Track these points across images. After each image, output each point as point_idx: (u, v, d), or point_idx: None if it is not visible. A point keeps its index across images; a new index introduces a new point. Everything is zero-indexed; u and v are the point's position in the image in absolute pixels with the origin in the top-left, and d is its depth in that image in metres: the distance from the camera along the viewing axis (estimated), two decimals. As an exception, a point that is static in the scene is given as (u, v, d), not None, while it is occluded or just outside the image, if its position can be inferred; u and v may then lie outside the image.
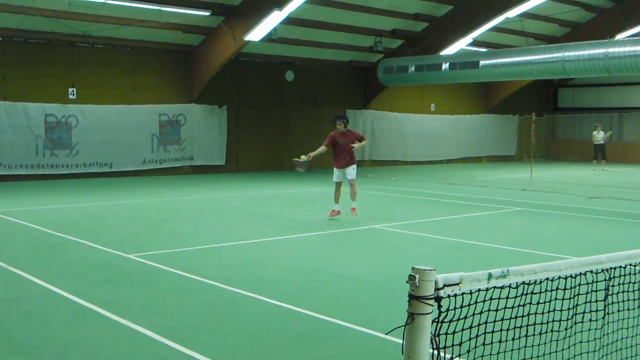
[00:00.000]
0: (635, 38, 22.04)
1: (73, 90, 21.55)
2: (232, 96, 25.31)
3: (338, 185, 13.40)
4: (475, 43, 27.49)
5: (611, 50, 20.87)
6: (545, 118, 35.46)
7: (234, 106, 25.34)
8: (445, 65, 25.52)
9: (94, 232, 11.55)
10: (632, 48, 20.41)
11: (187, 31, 22.68)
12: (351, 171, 13.33)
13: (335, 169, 13.40)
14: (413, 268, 2.57)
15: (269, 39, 22.41)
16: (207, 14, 21.45)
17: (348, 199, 13.48)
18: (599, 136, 29.92)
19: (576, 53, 21.80)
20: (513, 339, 3.33)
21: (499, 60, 24.14)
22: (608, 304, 3.89)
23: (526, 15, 25.87)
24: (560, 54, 22.28)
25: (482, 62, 24.55)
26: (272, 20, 20.57)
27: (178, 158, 23.94)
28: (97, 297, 7.21)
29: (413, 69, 26.28)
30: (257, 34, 21.25)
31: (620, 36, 26.22)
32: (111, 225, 12.63)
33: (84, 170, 21.63)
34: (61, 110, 21.15)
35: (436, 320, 2.65)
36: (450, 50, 26.48)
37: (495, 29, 26.85)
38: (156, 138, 23.25)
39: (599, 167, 29.56)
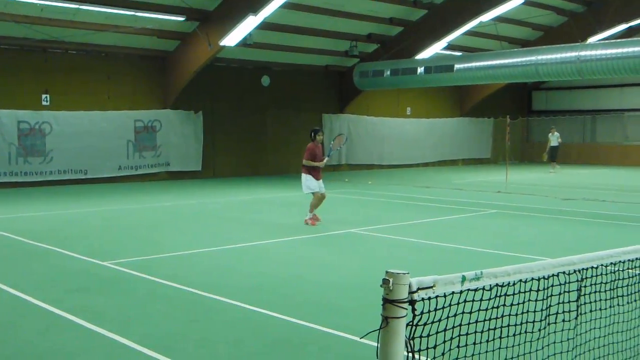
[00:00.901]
0: (607, 41, 22.35)
1: (46, 97, 21.35)
2: (208, 101, 25.24)
3: (319, 194, 13.47)
4: (449, 47, 27.69)
5: (583, 53, 21.13)
6: (520, 121, 35.79)
7: (209, 112, 25.27)
8: (420, 69, 25.67)
9: (69, 240, 11.44)
10: (604, 51, 20.68)
11: (162, 36, 22.59)
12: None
13: (315, 180, 13.39)
14: (387, 272, 2.59)
15: (245, 44, 22.38)
16: (182, 19, 21.39)
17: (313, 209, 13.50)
18: (553, 138, 30.00)
19: (549, 56, 22.05)
20: (487, 341, 3.36)
21: (474, 64, 24.33)
22: (580, 305, 3.93)
23: (500, 19, 26.12)
24: (533, 58, 22.52)
25: (456, 66, 24.73)
26: (248, 25, 20.56)
27: (154, 164, 23.81)
28: (72, 306, 7.15)
29: (388, 73, 26.39)
30: (232, 39, 21.22)
31: (591, 40, 26.53)
32: (86, 232, 12.52)
33: (58, 178, 21.42)
34: (34, 117, 20.94)
35: (410, 323, 2.67)
36: (425, 54, 26.64)
37: (470, 33, 27.06)
38: (131, 144, 23.11)
39: (557, 169, 29.79)
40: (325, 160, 13.59)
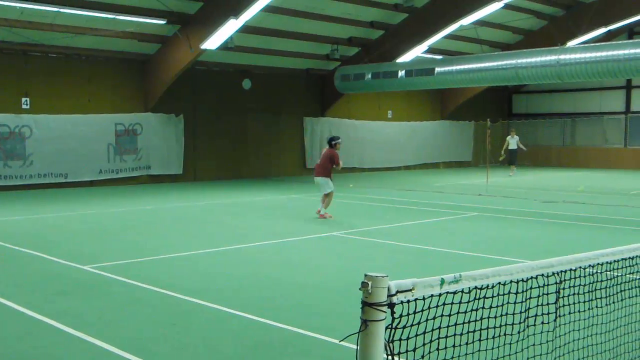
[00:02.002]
0: (586, 45, 22.53)
1: (26, 100, 21.18)
2: (189, 105, 25.17)
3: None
4: (430, 50, 27.82)
5: (562, 57, 21.30)
6: (500, 124, 36.02)
7: (191, 115, 25.19)
8: (401, 73, 25.74)
9: (49, 244, 11.36)
10: (583, 55, 20.86)
11: (143, 40, 22.50)
12: None
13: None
14: (366, 275, 2.59)
15: (226, 47, 22.37)
16: (163, 22, 21.32)
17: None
18: (512, 141, 29.59)
19: (529, 60, 22.19)
20: (467, 343, 3.37)
21: (454, 67, 24.44)
22: (559, 307, 3.97)
23: (480, 23, 26.29)
24: (513, 61, 22.66)
25: (437, 69, 24.83)
26: (229, 28, 20.53)
27: (135, 167, 23.68)
28: (52, 310, 7.10)
29: (370, 76, 26.45)
30: (213, 42, 21.19)
31: (571, 43, 26.79)
32: (66, 236, 12.44)
33: (38, 181, 21.25)
34: (14, 121, 20.76)
35: (389, 326, 2.68)
36: (406, 57, 26.74)
37: (450, 36, 27.21)
38: (112, 148, 22.98)
39: (515, 172, 29.54)
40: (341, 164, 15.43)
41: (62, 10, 19.23)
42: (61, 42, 20.89)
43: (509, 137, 29.75)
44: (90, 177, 22.48)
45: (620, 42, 21.60)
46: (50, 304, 7.43)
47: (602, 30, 28.82)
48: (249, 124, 27.11)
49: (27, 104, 21.20)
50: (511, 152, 29.66)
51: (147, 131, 23.84)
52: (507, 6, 25.14)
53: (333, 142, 15.30)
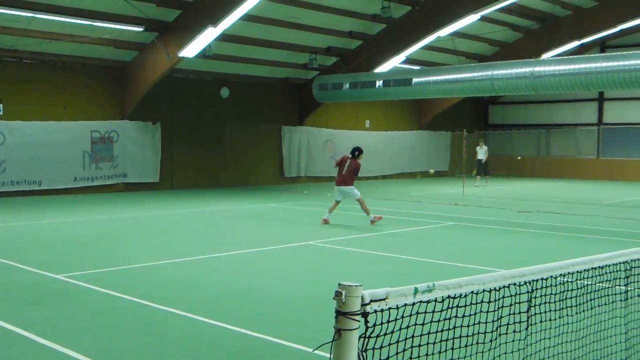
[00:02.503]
0: (560, 58, 22.85)
1: (0, 107, 20.95)
2: (167, 113, 25.08)
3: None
4: (408, 61, 28.00)
5: (537, 69, 21.56)
6: (476, 134, 36.30)
7: (168, 123, 25.10)
8: (379, 83, 25.90)
9: (21, 252, 11.25)
10: (557, 67, 21.14)
11: (120, 47, 22.40)
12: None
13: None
14: (339, 284, 2.61)
15: (204, 55, 22.34)
16: (141, 29, 21.24)
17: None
18: (481, 152, 29.48)
19: (504, 71, 22.45)
20: (440, 352, 3.40)
21: (431, 78, 24.64)
22: (531, 315, 4.01)
23: (457, 34, 26.51)
24: (489, 72, 22.91)
25: (414, 80, 25.00)
26: (207, 36, 20.52)
27: (111, 175, 23.53)
28: (24, 320, 7.02)
29: (347, 86, 26.57)
30: (191, 50, 21.15)
31: (545, 56, 27.13)
32: (39, 244, 12.32)
33: (11, 189, 21.02)
34: (-13, 127, 20.56)
35: (363, 335, 2.70)
36: (384, 67, 26.89)
37: (428, 47, 27.42)
38: (88, 155, 22.81)
39: (482, 182, 29.62)
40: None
41: (37, 15, 19.07)
42: (36, 48, 20.73)
43: (477, 148, 29.65)
44: (65, 185, 22.28)
45: (593, 55, 21.96)
46: (22, 313, 7.36)
47: (575, 44, 29.22)
48: (227, 133, 27.07)
49: (0, 111, 20.97)
50: (478, 163, 29.61)
51: (124, 139, 23.70)
52: (483, 18, 25.40)
53: (357, 153, 15.74)
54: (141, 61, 22.93)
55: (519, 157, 29.72)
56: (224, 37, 22.17)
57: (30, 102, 21.62)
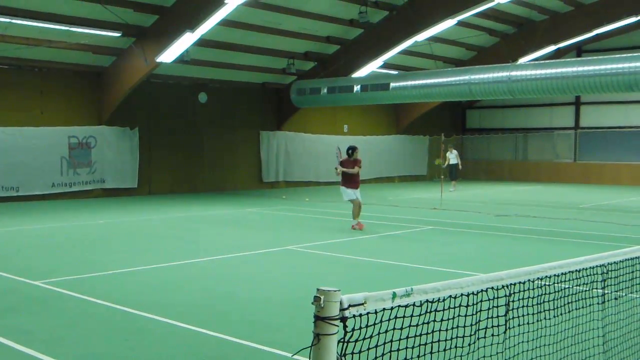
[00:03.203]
0: (536, 62, 23.04)
1: (-24, 112, 20.76)
2: (144, 118, 24.95)
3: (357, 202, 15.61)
4: (385, 65, 28.11)
5: (514, 73, 21.73)
6: (454, 139, 36.50)
7: (146, 128, 24.97)
8: (356, 87, 25.95)
9: (-2, 259, 11.13)
10: (533, 72, 21.32)
11: (98, 52, 22.27)
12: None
13: (348, 190, 15.66)
14: (318, 289, 2.62)
15: (181, 60, 22.26)
16: (118, 35, 21.14)
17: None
18: (452, 156, 29.17)
19: (481, 76, 22.59)
20: (418, 356, 3.41)
21: (409, 83, 24.74)
22: (509, 319, 4.04)
23: (434, 39, 26.68)
24: (466, 77, 23.04)
25: (392, 84, 25.09)
26: (184, 41, 20.46)
27: (88, 181, 23.35)
28: (1, 326, 6.96)
29: (325, 90, 26.59)
30: (169, 55, 21.08)
31: (522, 60, 27.36)
32: (16, 251, 12.20)
33: (-13, 195, 20.81)
34: (-37, 133, 20.33)
35: (342, 340, 2.70)
36: (362, 72, 26.98)
37: (405, 52, 27.55)
38: (65, 161, 22.62)
39: (458, 186, 29.29)
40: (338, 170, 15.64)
41: (14, 21, 18.91)
42: (13, 54, 20.54)
43: (448, 153, 29.22)
44: (42, 191, 22.07)
45: (569, 59, 22.13)
46: None
47: (551, 48, 29.55)
48: (205, 138, 26.99)
49: (-23, 116, 20.76)
50: (451, 167, 29.37)
51: (102, 144, 23.55)
52: (460, 23, 25.57)
53: (350, 152, 15.67)
54: (119, 66, 22.80)
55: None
56: (202, 42, 22.12)
57: (7, 107, 21.41)
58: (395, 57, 27.67)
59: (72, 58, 22.27)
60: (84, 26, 20.19)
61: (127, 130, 24.34)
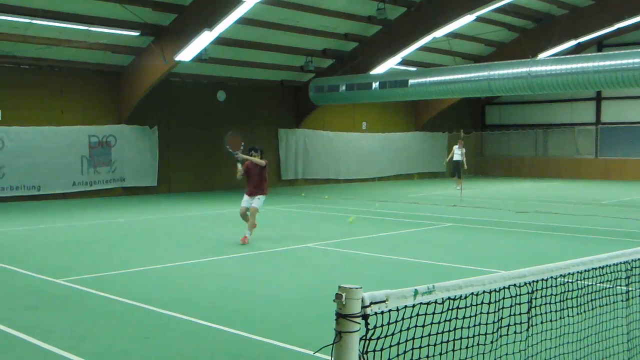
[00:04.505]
0: (556, 57, 22.85)
1: (-2, 112, 20.96)
2: (163, 117, 25.07)
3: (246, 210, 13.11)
4: (404, 62, 28.00)
5: (533, 69, 21.57)
6: (474, 135, 36.33)
7: (165, 127, 25.08)
8: (375, 84, 25.90)
9: (20, 257, 11.23)
10: (553, 67, 21.15)
11: (117, 51, 22.40)
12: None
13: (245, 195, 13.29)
14: (340, 287, 2.61)
15: (200, 59, 22.32)
16: (137, 34, 21.24)
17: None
18: (458, 152, 26.89)
19: (501, 72, 22.46)
20: (440, 354, 3.39)
21: (428, 79, 24.65)
22: (531, 317, 4.00)
23: (453, 35, 26.53)
24: (486, 73, 22.92)
25: (411, 81, 25.01)
26: (203, 40, 20.51)
27: (109, 180, 23.51)
28: (23, 324, 7.01)
29: (344, 88, 26.56)
30: (187, 54, 21.14)
31: (542, 55, 27.13)
32: (38, 249, 12.30)
33: (10, 194, 20.99)
34: (-15, 133, 20.54)
35: (364, 337, 2.69)
36: (380, 69, 26.89)
37: (424, 48, 27.43)
38: (86, 160, 22.79)
39: (461, 185, 25.73)
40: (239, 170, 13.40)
41: (34, 21, 19.07)
42: (33, 54, 20.71)
43: (455, 147, 27.28)
44: (63, 190, 22.26)
45: (590, 54, 21.94)
46: (21, 317, 7.34)
47: (572, 43, 29.28)
48: (224, 136, 26.98)
49: (-2, 116, 20.97)
50: (456, 164, 27.19)
51: (121, 143, 23.69)
52: (479, 19, 25.41)
53: (252, 153, 13.64)
54: (138, 65, 22.92)
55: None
56: (220, 41, 22.17)
57: (28, 107, 21.60)
58: (414, 54, 27.56)
59: (91, 57, 22.42)
60: (103, 26, 20.31)
61: (147, 128, 24.47)
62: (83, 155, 22.71)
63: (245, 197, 13.28)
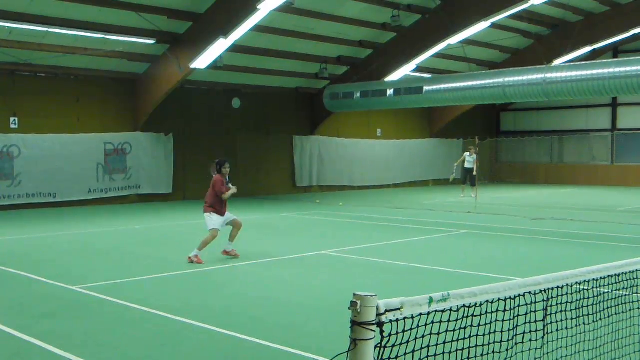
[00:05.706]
0: (571, 64, 22.75)
1: (15, 120, 21.13)
2: (179, 124, 25.18)
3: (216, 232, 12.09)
4: (419, 69, 27.99)
5: (549, 75, 21.48)
6: (489, 142, 36.20)
7: (180, 134, 25.19)
8: (390, 91, 25.88)
9: (37, 264, 11.31)
10: (569, 73, 21.05)
11: (132, 59, 22.55)
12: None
13: (218, 216, 12.26)
14: (354, 294, 2.62)
15: (215, 66, 22.43)
16: (152, 42, 21.37)
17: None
18: (470, 159, 26.32)
19: (516, 78, 22.37)
20: (455, 362, 3.39)
21: (442, 86, 24.60)
22: (547, 324, 3.99)
23: (468, 42, 26.48)
24: (500, 80, 22.84)
25: (426, 88, 24.98)
26: (218, 48, 20.60)
27: (124, 187, 23.63)
28: (40, 331, 7.06)
29: (358, 95, 26.57)
30: (202, 61, 21.24)
31: (557, 62, 27.02)
32: (54, 256, 12.38)
33: (26, 201, 21.14)
34: (2, 140, 20.69)
35: (379, 345, 2.70)
36: (395, 76, 26.88)
37: (438, 55, 27.40)
38: (101, 167, 22.93)
39: (468, 193, 26.25)
40: (231, 191, 12.50)
41: (50, 30, 19.26)
42: (50, 62, 20.90)
43: (466, 154, 26.86)
44: (79, 197, 22.39)
45: (605, 60, 21.81)
46: (38, 325, 7.39)
47: (587, 49, 29.12)
48: (239, 143, 27.13)
49: (15, 124, 21.14)
50: (466, 171, 26.79)
51: (137, 150, 23.82)
52: (494, 25, 25.35)
53: (218, 167, 12.74)
54: (153, 73, 23.06)
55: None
56: (235, 48, 22.26)
57: (44, 115, 21.78)
58: (429, 61, 27.54)
59: (107, 65, 22.58)
60: (119, 34, 20.46)
61: (162, 136, 24.59)
62: (99, 163, 22.86)
63: (224, 217, 12.38)
